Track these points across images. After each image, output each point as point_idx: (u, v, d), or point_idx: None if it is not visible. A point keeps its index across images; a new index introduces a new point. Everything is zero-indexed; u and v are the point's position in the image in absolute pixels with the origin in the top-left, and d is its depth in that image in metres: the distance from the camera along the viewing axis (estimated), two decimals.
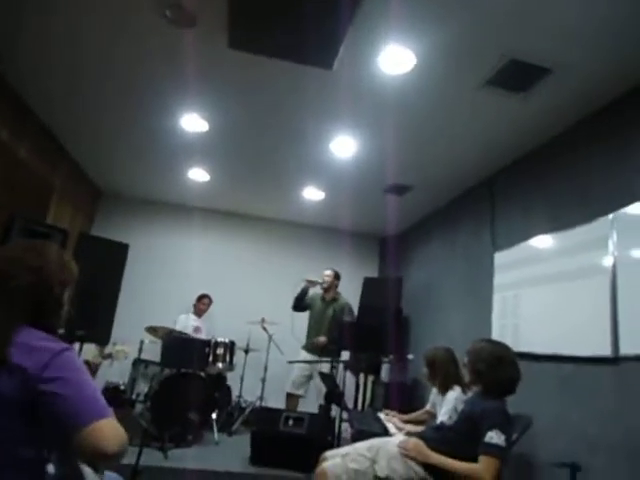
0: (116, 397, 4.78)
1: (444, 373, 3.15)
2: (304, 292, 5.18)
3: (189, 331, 5.51)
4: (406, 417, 3.49)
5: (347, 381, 3.89)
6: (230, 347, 5.16)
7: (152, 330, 5.11)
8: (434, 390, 3.33)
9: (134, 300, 5.77)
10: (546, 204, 3.73)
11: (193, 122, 4.18)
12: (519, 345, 3.43)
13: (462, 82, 3.20)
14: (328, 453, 2.43)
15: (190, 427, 4.42)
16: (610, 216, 3.00)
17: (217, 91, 3.68)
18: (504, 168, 4.37)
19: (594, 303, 2.99)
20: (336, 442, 3.38)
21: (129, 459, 2.45)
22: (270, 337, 5.75)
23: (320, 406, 4.78)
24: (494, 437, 2.03)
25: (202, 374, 4.74)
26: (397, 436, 2.71)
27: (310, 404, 4.90)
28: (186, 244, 6.76)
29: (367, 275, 6.39)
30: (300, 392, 4.91)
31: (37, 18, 3.03)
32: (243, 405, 5.57)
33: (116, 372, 5.18)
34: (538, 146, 3.90)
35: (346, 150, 4.45)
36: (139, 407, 4.63)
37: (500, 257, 4.18)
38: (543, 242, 3.66)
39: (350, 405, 4.73)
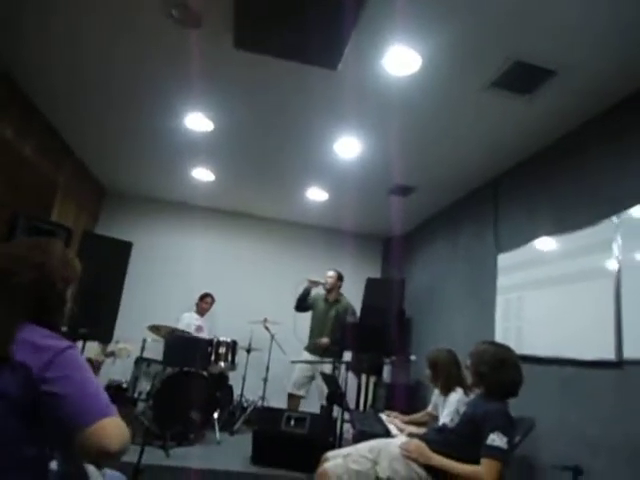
0: (118, 395, 4.79)
1: (446, 374, 3.15)
2: (306, 292, 5.18)
3: (192, 330, 5.52)
4: (407, 418, 3.49)
5: (349, 382, 3.87)
6: (232, 346, 5.17)
7: (155, 329, 5.12)
8: (436, 391, 3.33)
9: (137, 298, 5.79)
10: (551, 206, 3.71)
11: (198, 121, 4.18)
12: (522, 348, 3.42)
13: (467, 83, 3.20)
14: (329, 454, 2.43)
15: (192, 426, 4.43)
16: (615, 219, 2.98)
17: (222, 91, 3.69)
18: (509, 170, 4.36)
19: (598, 306, 2.98)
20: (338, 443, 3.38)
21: (131, 457, 2.45)
22: (272, 337, 5.76)
23: (322, 406, 4.78)
24: (496, 440, 2.03)
25: (204, 373, 4.75)
26: (399, 437, 2.71)
27: (311, 405, 4.90)
28: (189, 243, 6.77)
29: (370, 276, 6.38)
30: (301, 393, 4.91)
31: (40, 17, 3.04)
32: (245, 405, 5.58)
33: (118, 370, 5.19)
34: (543, 148, 3.89)
35: (350, 151, 4.45)
36: (141, 405, 4.64)
37: (503, 259, 4.17)
38: (547, 244, 3.65)
39: (352, 406, 4.73)
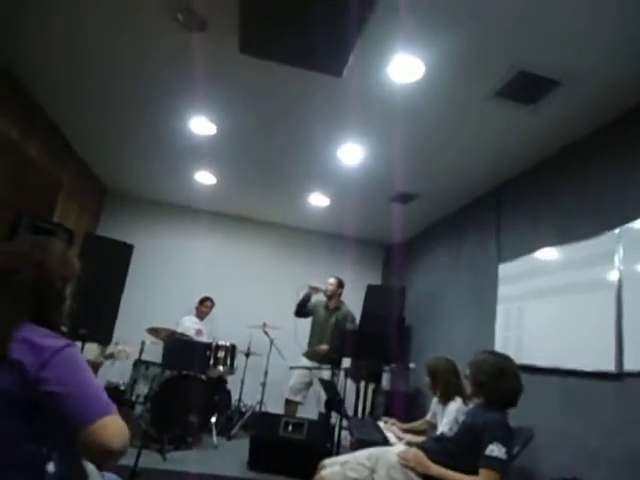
0: (116, 397, 4.77)
1: (445, 383, 3.14)
2: (307, 298, 5.17)
3: (191, 333, 5.51)
4: (405, 426, 3.47)
5: (348, 389, 3.86)
6: (231, 350, 5.17)
7: (154, 331, 5.12)
8: (435, 400, 3.32)
9: (136, 300, 5.77)
10: (554, 216, 3.70)
11: (201, 125, 4.20)
12: (522, 357, 3.41)
13: (471, 92, 3.21)
14: (327, 461, 2.42)
15: (189, 430, 4.41)
16: (617, 230, 2.98)
17: (226, 95, 3.70)
18: (512, 178, 4.36)
19: (599, 317, 2.97)
20: (335, 450, 3.36)
21: (128, 460, 2.44)
22: (271, 342, 5.74)
23: (320, 413, 4.76)
24: (495, 450, 2.01)
25: (203, 377, 4.73)
26: (397, 446, 2.69)
27: (309, 411, 4.88)
28: (190, 246, 6.77)
29: (370, 282, 6.37)
30: (298, 399, 4.89)
31: (41, 17, 3.05)
32: (243, 409, 5.56)
33: (116, 372, 5.17)
34: (547, 157, 3.89)
35: (353, 157, 4.45)
36: (139, 408, 4.62)
37: (504, 269, 4.16)
38: (549, 254, 3.64)
39: (350, 413, 4.70)
